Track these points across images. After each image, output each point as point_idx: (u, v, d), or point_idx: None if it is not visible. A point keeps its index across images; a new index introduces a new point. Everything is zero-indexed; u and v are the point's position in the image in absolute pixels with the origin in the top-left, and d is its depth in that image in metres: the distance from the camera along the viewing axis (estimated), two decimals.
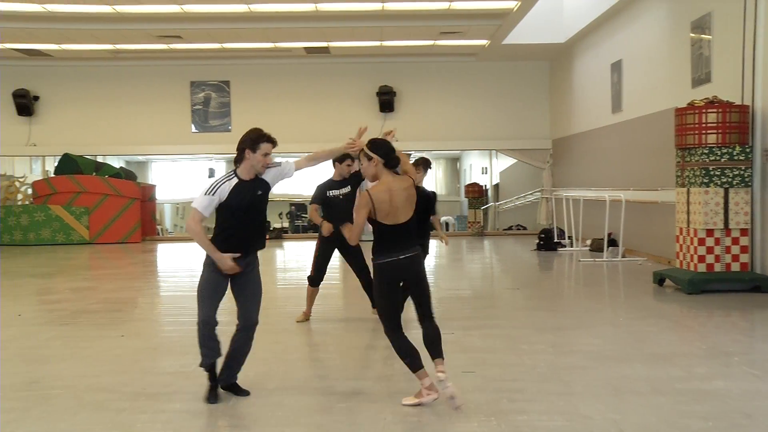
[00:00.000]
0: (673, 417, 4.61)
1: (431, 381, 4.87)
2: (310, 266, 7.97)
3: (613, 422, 4.52)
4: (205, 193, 5.03)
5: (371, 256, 5.02)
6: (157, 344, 7.13)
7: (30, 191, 19.52)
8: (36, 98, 20.02)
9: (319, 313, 8.73)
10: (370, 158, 5.07)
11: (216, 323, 5.11)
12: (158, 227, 23.22)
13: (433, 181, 34.80)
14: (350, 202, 7.45)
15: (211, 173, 33.29)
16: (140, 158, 29.27)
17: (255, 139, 5.14)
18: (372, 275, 5.17)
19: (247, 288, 5.21)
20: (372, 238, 5.01)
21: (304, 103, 20.30)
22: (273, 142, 5.20)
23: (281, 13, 15.17)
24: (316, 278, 7.91)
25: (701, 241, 9.28)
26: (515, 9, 14.77)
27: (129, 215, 18.62)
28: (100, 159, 20.87)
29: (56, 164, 19.82)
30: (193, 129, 20.43)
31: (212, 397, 5.07)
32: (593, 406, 4.83)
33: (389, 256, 4.92)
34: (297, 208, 27.54)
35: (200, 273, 5.17)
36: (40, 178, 20.43)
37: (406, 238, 4.97)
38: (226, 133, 20.36)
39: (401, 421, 4.61)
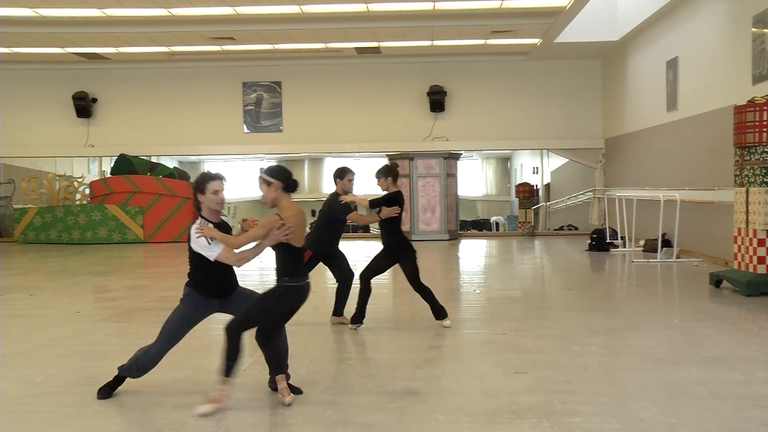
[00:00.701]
0: (733, 422, 4.50)
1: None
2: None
3: (668, 426, 4.43)
4: (208, 243, 5.04)
5: (283, 278, 5.02)
6: (209, 342, 7.20)
7: (88, 191, 19.97)
8: (94, 100, 20.48)
9: (370, 313, 8.75)
10: (269, 183, 5.06)
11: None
12: None
13: (484, 180, 34.62)
14: (343, 222, 7.78)
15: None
16: (193, 158, 29.71)
17: (200, 182, 5.15)
18: (271, 294, 5.10)
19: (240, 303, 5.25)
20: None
21: (355, 104, 20.38)
22: (219, 178, 5.18)
23: (333, 14, 15.25)
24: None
25: (761, 242, 9.05)
26: (568, 7, 14.61)
27: (182, 215, 18.91)
28: (154, 159, 21.26)
29: (112, 165, 20.25)
30: (245, 129, 20.67)
31: (101, 394, 5.20)
32: (648, 409, 4.75)
33: (303, 280, 5.08)
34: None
35: (177, 306, 5.26)
36: (97, 178, 20.88)
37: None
38: (278, 133, 20.59)
39: (453, 422, 4.59)
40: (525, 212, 20.51)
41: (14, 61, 19.68)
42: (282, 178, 5.07)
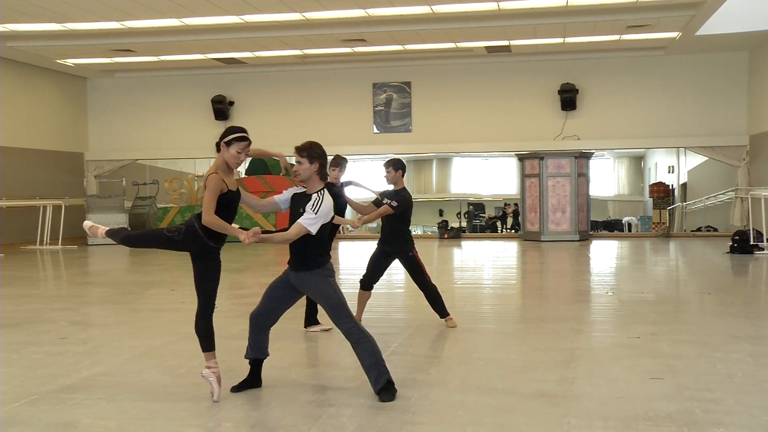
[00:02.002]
0: None
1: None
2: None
3: None
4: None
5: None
6: (340, 339, 7.30)
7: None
8: (231, 103, 21.31)
9: (499, 313, 8.69)
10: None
11: None
12: (339, 226, 23.95)
13: (615, 180, 33.64)
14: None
15: None
16: None
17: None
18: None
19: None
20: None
21: (484, 103, 20.26)
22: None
23: (463, 13, 15.22)
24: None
25: None
26: None
27: None
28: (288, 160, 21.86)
29: (247, 165, 20.99)
30: (375, 130, 20.94)
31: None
32: None
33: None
34: (475, 208, 27.55)
35: (329, 287, 5.29)
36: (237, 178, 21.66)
37: None
38: (407, 133, 20.74)
39: (586, 426, 4.48)
40: (659, 213, 19.81)
41: (160, 69, 20.78)
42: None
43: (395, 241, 7.55)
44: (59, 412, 4.93)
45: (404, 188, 7.55)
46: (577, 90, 19.49)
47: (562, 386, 5.35)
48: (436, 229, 22.56)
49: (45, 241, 18.54)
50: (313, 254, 5.23)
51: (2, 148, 18.53)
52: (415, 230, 33.04)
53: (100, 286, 12.15)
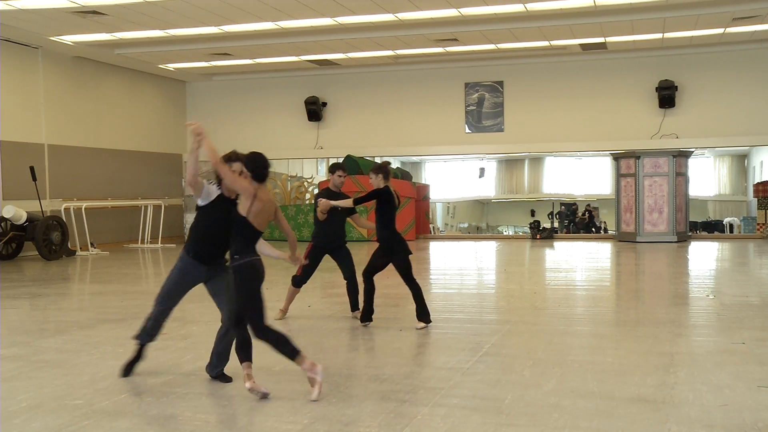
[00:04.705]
0: None
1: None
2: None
3: None
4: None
5: (233, 257, 5.28)
6: (433, 340, 7.35)
7: (316, 191, 21.09)
8: (324, 104, 21.60)
9: (594, 315, 8.51)
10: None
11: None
12: (431, 226, 23.99)
13: (716, 179, 32.46)
14: (342, 215, 8.07)
15: (482, 173, 33.73)
16: (414, 159, 30.41)
17: (231, 159, 5.53)
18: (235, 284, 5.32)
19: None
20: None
21: (578, 101, 19.89)
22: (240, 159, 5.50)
23: (558, 11, 14.97)
24: (300, 281, 8.38)
25: None
26: None
27: (405, 214, 19.40)
28: (378, 160, 22.02)
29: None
30: (467, 129, 20.84)
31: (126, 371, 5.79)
32: None
33: (252, 255, 5.32)
34: (567, 208, 27.09)
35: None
36: (325, 179, 21.98)
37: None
38: (499, 133, 20.55)
39: None
40: (765, 213, 18.97)
41: (255, 71, 21.26)
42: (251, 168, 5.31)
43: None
44: (162, 404, 5.10)
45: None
46: (676, 87, 18.89)
47: (661, 391, 5.20)
48: (527, 229, 22.29)
49: (146, 240, 19.23)
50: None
51: (109, 151, 19.34)
52: (507, 230, 32.77)
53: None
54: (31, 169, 16.07)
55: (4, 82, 16.35)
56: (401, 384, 5.54)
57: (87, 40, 16.75)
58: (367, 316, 7.83)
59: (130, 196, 19.78)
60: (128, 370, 5.83)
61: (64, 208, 17.05)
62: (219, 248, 5.66)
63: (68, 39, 16.54)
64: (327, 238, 8.24)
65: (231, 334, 5.53)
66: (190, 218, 20.14)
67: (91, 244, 17.51)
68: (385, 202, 7.62)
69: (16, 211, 15.12)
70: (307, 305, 9.24)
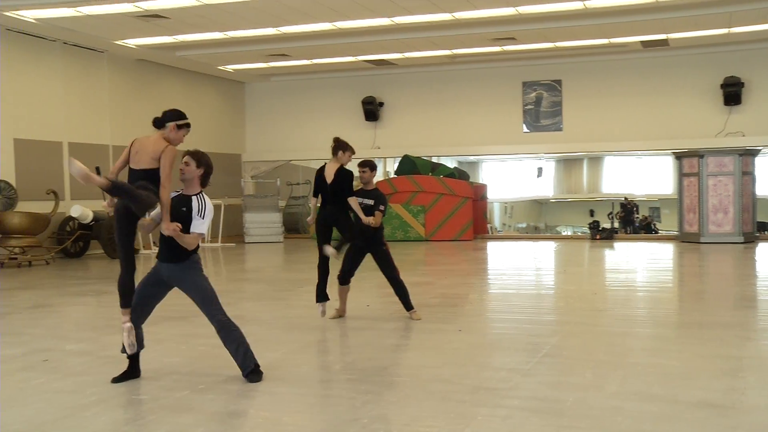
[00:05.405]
0: None
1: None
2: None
3: None
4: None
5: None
6: (492, 340, 7.31)
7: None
8: (381, 104, 21.65)
9: (656, 316, 8.35)
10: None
11: None
12: (488, 226, 23.83)
13: None
14: (368, 214, 7.96)
15: (539, 172, 33.35)
16: (471, 158, 30.26)
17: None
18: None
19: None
20: None
21: (638, 99, 19.55)
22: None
23: (618, 8, 14.74)
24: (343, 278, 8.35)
25: None
26: None
27: (462, 214, 19.34)
28: (435, 160, 21.98)
29: (397, 165, 21.25)
30: (524, 129, 20.66)
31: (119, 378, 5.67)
32: None
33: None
34: (622, 208, 26.61)
35: (203, 279, 5.69)
36: (382, 179, 22.03)
37: None
38: (557, 132, 20.32)
39: None
40: None
41: (312, 72, 21.43)
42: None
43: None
44: (224, 401, 5.18)
45: (376, 188, 8.26)
46: (742, 83, 18.41)
47: (730, 396, 5.06)
48: (587, 229, 21.97)
49: (206, 239, 19.54)
50: (181, 246, 5.49)
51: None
52: (565, 231, 32.35)
53: (257, 282, 12.67)
54: (97, 169, 16.32)
55: (70, 86, 16.83)
56: (461, 384, 5.51)
57: (149, 43, 17.13)
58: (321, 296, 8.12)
59: None
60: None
61: None
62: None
63: (131, 42, 16.94)
64: (362, 237, 8.19)
65: (231, 334, 5.63)
66: (249, 218, 20.40)
67: (154, 242, 17.85)
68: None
69: (83, 211, 15.52)
70: (365, 304, 9.26)
